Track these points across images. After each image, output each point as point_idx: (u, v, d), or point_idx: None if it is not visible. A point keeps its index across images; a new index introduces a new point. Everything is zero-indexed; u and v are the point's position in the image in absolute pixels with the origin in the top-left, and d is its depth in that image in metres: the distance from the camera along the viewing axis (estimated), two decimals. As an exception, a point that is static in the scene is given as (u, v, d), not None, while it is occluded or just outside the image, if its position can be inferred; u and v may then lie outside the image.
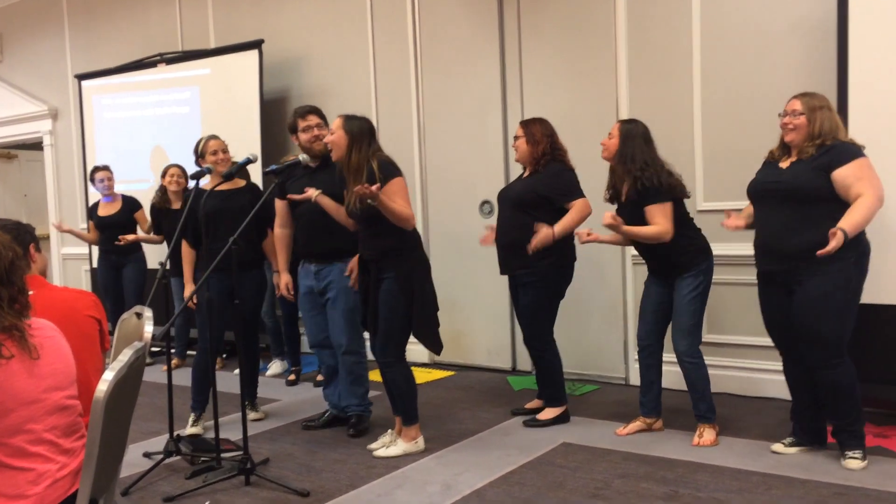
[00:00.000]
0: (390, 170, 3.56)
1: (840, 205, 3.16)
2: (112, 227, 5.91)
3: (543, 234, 3.82)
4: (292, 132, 4.14)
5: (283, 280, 4.12)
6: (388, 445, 3.72)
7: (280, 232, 4.12)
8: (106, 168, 6.07)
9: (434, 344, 3.67)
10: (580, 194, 3.96)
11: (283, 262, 4.14)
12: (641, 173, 3.62)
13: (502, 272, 4.19)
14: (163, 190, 5.57)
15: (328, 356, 4.17)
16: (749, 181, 3.48)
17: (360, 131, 3.57)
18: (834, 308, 3.20)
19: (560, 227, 3.86)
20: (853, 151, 3.20)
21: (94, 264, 7.09)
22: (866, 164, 3.18)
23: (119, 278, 6.03)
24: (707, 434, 3.68)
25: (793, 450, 3.50)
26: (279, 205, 4.09)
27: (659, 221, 3.61)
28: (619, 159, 3.71)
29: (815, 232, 3.14)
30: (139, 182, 6.63)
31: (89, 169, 7.10)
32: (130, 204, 6.05)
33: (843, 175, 3.15)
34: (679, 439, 3.72)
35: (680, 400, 4.21)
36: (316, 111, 4.10)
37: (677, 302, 3.71)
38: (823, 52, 4.07)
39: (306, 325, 4.20)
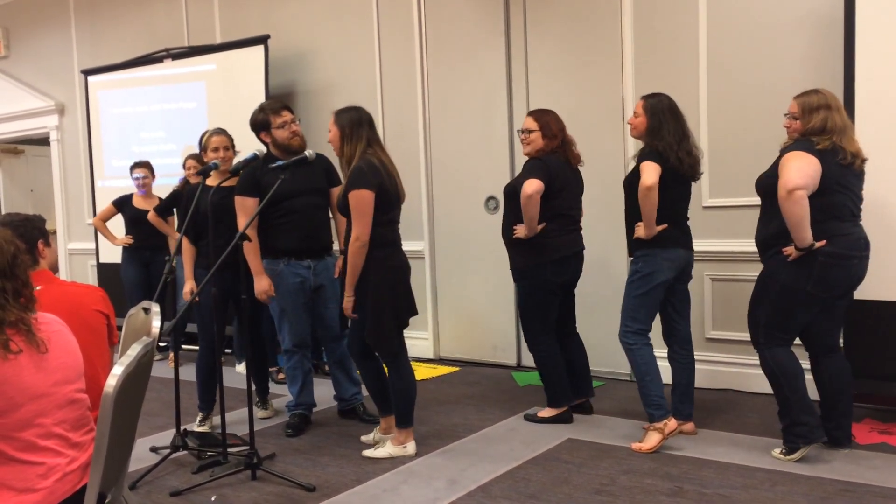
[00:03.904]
0: (357, 180, 3.38)
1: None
2: (148, 223, 5.68)
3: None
4: (262, 129, 3.92)
5: (266, 283, 3.86)
6: (376, 446, 3.66)
7: (251, 233, 3.75)
8: (145, 165, 5.88)
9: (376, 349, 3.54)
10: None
11: (260, 264, 3.87)
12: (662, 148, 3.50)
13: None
14: (185, 180, 5.47)
15: (307, 359, 4.05)
16: (755, 177, 3.47)
17: (350, 122, 3.51)
18: (759, 293, 3.37)
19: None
20: (793, 146, 3.19)
21: (101, 259, 7.13)
22: (793, 156, 3.13)
23: (148, 275, 5.84)
24: (647, 439, 3.51)
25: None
26: (252, 203, 3.79)
27: (643, 174, 3.45)
28: (649, 136, 3.55)
29: (770, 226, 3.30)
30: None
31: (95, 164, 7.14)
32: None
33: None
34: (683, 436, 3.70)
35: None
36: (288, 107, 3.96)
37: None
38: (830, 46, 4.05)
39: (291, 323, 3.94)
